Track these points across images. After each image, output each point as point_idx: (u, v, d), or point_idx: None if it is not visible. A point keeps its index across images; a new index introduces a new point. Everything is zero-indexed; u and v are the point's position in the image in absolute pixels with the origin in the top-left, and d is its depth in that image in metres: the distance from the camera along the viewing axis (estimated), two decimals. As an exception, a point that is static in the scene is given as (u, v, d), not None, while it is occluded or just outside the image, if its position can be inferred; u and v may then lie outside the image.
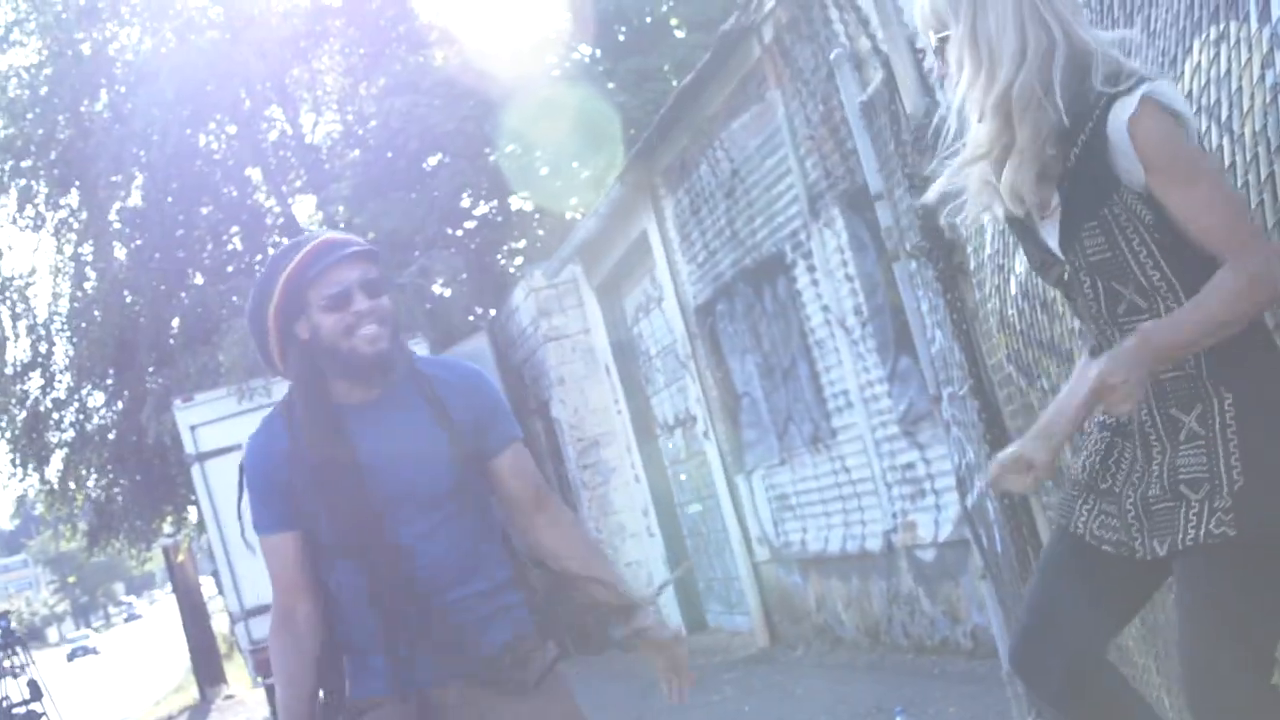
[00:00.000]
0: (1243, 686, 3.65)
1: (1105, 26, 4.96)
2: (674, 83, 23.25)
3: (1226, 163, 4.20)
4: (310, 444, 4.36)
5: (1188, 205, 3.59)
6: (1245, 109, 4.12)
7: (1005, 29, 3.71)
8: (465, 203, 26.67)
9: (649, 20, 26.61)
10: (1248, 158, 4.12)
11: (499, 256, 27.23)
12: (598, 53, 26.49)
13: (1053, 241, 3.82)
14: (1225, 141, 4.21)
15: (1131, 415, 3.73)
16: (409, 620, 4.34)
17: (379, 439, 4.38)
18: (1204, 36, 4.30)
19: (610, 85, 24.67)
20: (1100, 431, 3.90)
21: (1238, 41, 4.14)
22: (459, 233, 26.73)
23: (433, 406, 4.43)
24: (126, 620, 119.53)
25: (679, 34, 26.03)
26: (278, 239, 28.70)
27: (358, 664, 4.48)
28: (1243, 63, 4.12)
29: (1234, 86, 4.17)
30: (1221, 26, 4.21)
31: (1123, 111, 3.62)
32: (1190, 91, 4.38)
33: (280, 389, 17.31)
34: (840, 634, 13.80)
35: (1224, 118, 4.21)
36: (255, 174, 29.15)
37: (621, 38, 26.30)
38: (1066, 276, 3.82)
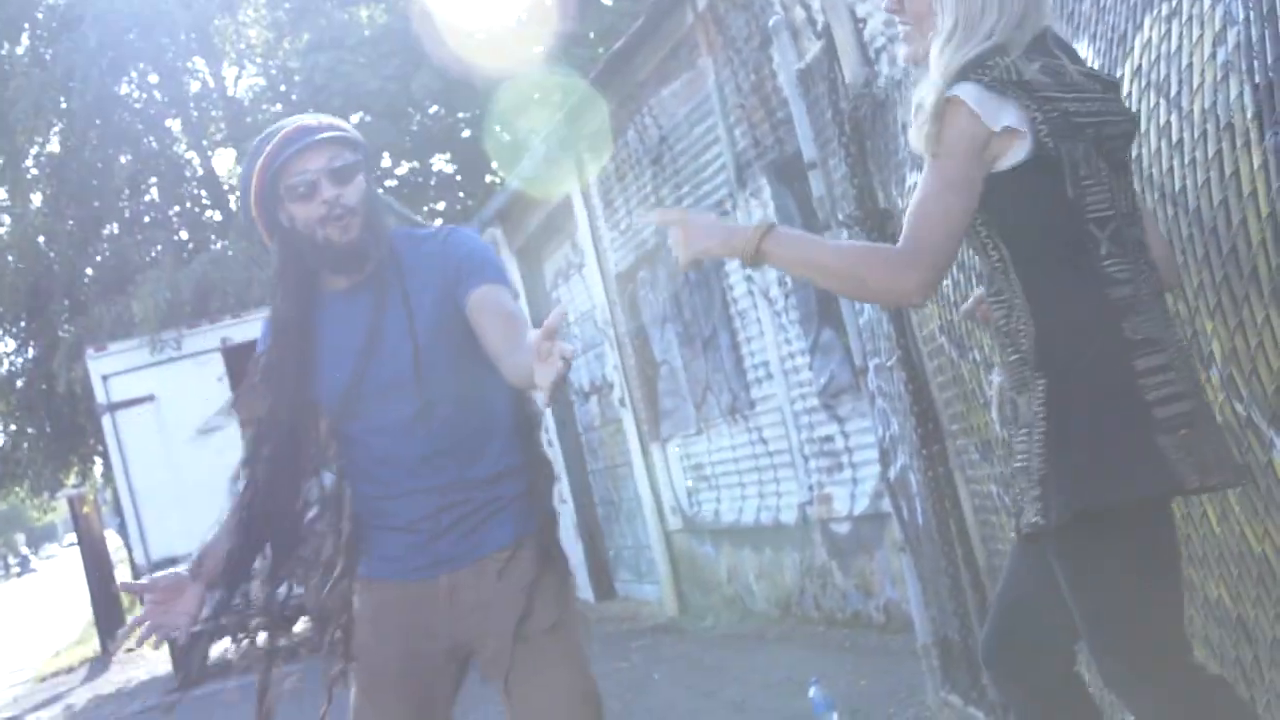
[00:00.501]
0: (1152, 664, 3.69)
1: (1055, 4, 4.97)
2: (600, 50, 23.22)
3: (1174, 140, 4.22)
4: (273, 340, 4.41)
5: (919, 197, 3.67)
6: (1195, 86, 4.13)
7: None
8: (386, 162, 26.57)
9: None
10: (1195, 134, 4.14)
11: (419, 217, 27.11)
12: (524, 16, 26.42)
13: None
14: (1174, 118, 4.23)
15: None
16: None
17: (351, 329, 4.37)
18: (1156, 12, 4.31)
19: (537, 49, 24.59)
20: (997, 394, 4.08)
21: (1190, 18, 4.15)
22: (380, 190, 26.56)
23: (399, 289, 4.37)
24: (20, 574, 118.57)
25: (606, 1, 25.98)
26: (196, 191, 28.51)
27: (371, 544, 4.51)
28: (1194, 39, 4.14)
29: (1184, 63, 4.18)
30: (1174, 3, 4.22)
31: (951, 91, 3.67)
32: (1140, 67, 4.39)
33: (191, 340, 16.93)
34: (750, 605, 13.82)
35: (1173, 94, 4.23)
36: (175, 125, 28.90)
37: (550, 2, 26.22)
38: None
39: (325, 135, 4.30)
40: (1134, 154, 4.39)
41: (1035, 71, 3.67)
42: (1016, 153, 3.65)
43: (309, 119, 4.38)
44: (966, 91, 3.65)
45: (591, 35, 24.63)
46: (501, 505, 4.44)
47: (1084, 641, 3.83)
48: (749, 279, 12.44)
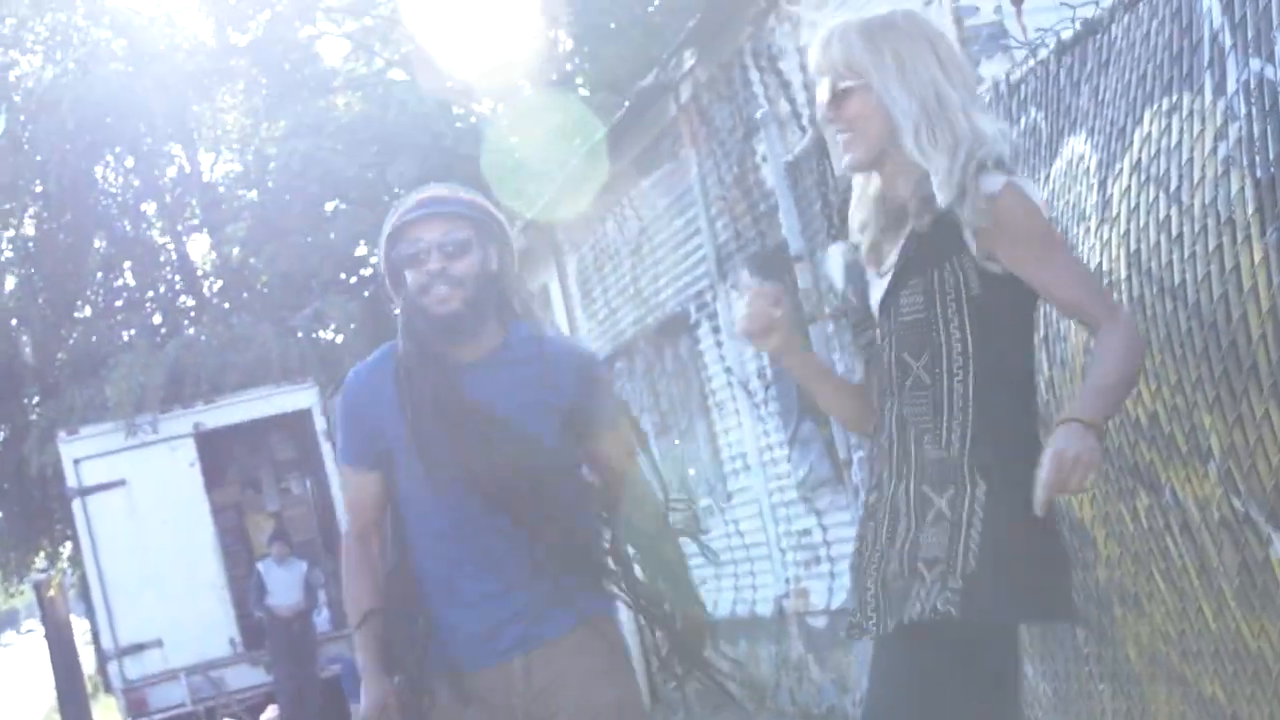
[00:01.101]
0: None
1: (1051, 96, 5.00)
2: (576, 140, 23.30)
3: (1174, 234, 4.23)
4: (422, 390, 4.42)
5: (1054, 279, 3.69)
6: (1195, 180, 4.14)
7: (917, 92, 3.73)
8: (362, 250, 26.59)
9: (554, 77, 26.66)
10: (1196, 229, 4.14)
11: (394, 305, 27.05)
12: (499, 107, 26.52)
13: (874, 300, 3.91)
14: (1174, 212, 4.23)
15: (877, 500, 3.83)
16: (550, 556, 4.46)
17: (491, 391, 4.44)
18: (1155, 107, 4.32)
19: (513, 140, 24.67)
20: (864, 523, 3.92)
21: (1190, 113, 4.17)
22: (354, 279, 26.61)
23: (543, 369, 4.47)
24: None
25: (583, 92, 26.08)
26: (170, 276, 28.47)
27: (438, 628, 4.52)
28: (1194, 134, 4.15)
29: (1184, 158, 4.19)
30: (1174, 98, 4.24)
31: (987, 186, 3.67)
32: (1139, 161, 4.40)
33: (164, 425, 16.76)
34: (724, 699, 13.71)
35: (1173, 188, 4.24)
36: (150, 209, 28.87)
37: (527, 93, 26.34)
38: (877, 340, 3.90)
39: (438, 209, 4.43)
40: (1134, 248, 4.41)
41: None
42: None
43: (443, 189, 4.53)
44: (1012, 179, 3.72)
45: (567, 126, 24.69)
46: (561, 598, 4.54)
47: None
48: (728, 370, 12.44)
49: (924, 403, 3.74)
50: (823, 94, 3.86)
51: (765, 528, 12.38)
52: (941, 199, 3.68)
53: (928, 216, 3.72)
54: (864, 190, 3.92)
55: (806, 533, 11.72)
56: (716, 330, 12.56)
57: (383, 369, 4.52)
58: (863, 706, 3.80)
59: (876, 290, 3.90)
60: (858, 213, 3.93)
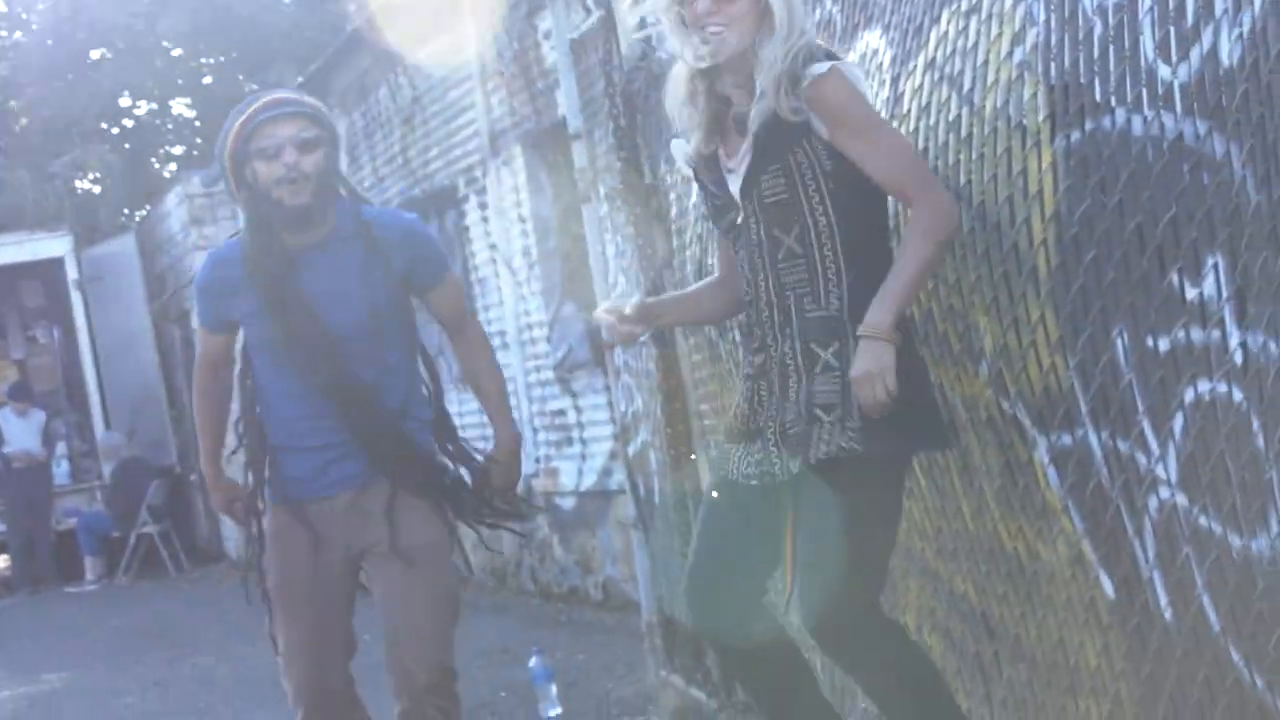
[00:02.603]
0: (859, 598, 4.12)
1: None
2: (353, 6, 22.92)
3: (964, 134, 4.25)
4: (259, 279, 5.08)
5: (873, 154, 4.10)
6: (989, 83, 4.16)
7: None
8: (126, 101, 25.98)
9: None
10: (986, 131, 4.17)
11: (154, 160, 26.56)
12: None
13: (735, 188, 4.24)
14: (965, 113, 4.26)
15: (765, 361, 4.23)
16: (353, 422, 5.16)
17: (320, 278, 5.09)
18: (954, 7, 4.33)
19: (286, 1, 24.25)
20: (744, 382, 4.33)
21: (989, 15, 4.18)
22: (116, 130, 26.01)
23: (370, 250, 5.11)
24: None
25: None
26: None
27: (279, 467, 5.28)
28: (991, 37, 4.17)
29: (980, 60, 4.21)
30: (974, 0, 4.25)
31: (814, 70, 4.08)
32: (934, 60, 4.42)
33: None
34: (464, 574, 13.71)
35: (966, 89, 4.26)
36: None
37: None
38: (739, 221, 4.25)
39: (293, 109, 5.03)
40: (922, 146, 4.43)
41: None
42: None
43: (288, 93, 5.25)
44: (836, 63, 4.13)
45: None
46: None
47: (812, 577, 4.12)
48: (493, 247, 12.37)
49: (800, 270, 4.16)
50: None
51: (519, 406, 12.35)
52: (768, 88, 4.09)
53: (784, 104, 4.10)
54: (692, 90, 4.29)
55: (561, 413, 11.73)
56: (484, 206, 12.47)
57: (234, 253, 5.19)
58: (800, 558, 4.18)
59: (734, 178, 4.26)
60: (693, 112, 4.31)
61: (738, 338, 5.67)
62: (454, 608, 5.25)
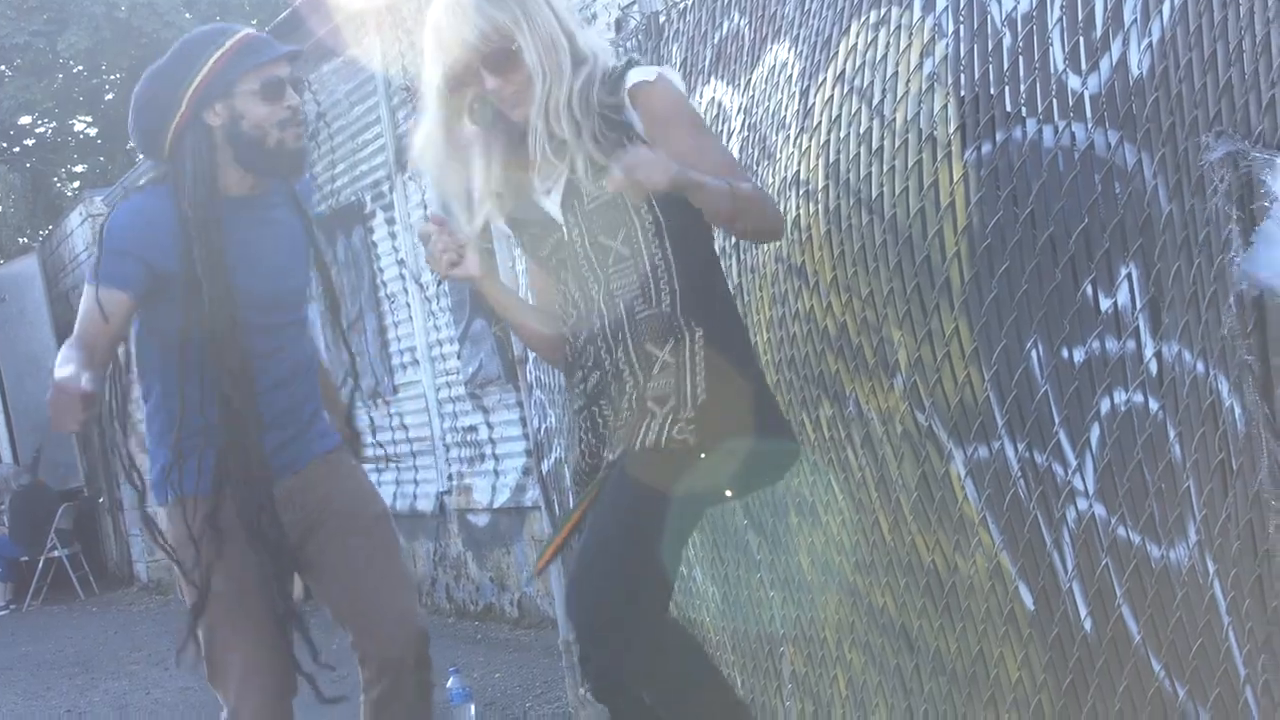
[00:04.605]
0: (640, 599, 3.94)
1: (757, 2, 4.97)
2: (255, 21, 22.83)
3: (875, 147, 4.24)
4: (194, 235, 4.47)
5: (707, 148, 4.06)
6: (899, 95, 4.16)
7: (557, 35, 4.05)
8: (26, 120, 25.76)
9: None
10: (897, 143, 4.16)
11: (56, 179, 26.33)
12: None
13: (553, 205, 4.14)
14: (875, 125, 4.25)
15: (605, 370, 4.11)
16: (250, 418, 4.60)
17: (255, 237, 4.61)
18: (863, 19, 4.33)
19: (188, 16, 24.10)
20: (580, 415, 4.19)
21: (898, 27, 4.18)
22: (17, 149, 25.78)
23: (301, 212, 4.73)
24: None
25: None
26: None
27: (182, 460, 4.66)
28: (901, 49, 4.16)
29: (889, 72, 4.20)
30: (883, 11, 4.25)
31: (638, 77, 4.05)
32: (844, 72, 4.40)
33: None
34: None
35: (876, 101, 4.25)
36: None
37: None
38: (565, 238, 4.13)
39: (290, 49, 4.57)
40: (833, 159, 4.42)
41: None
42: None
43: (255, 32, 4.64)
44: (662, 71, 4.11)
45: (246, 5, 24.21)
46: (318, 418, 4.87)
47: (588, 571, 3.98)
48: (401, 263, 12.31)
49: (629, 273, 4.07)
50: (461, 70, 4.08)
51: (430, 423, 12.31)
52: (569, 118, 4.01)
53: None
54: (488, 151, 4.20)
55: (472, 429, 11.68)
56: (392, 222, 12.41)
57: (162, 207, 4.53)
58: (591, 534, 4.06)
59: (550, 197, 4.14)
60: (490, 176, 4.18)
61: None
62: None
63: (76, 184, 25.86)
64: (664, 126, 4.02)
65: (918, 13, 4.09)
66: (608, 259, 4.09)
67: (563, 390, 6.94)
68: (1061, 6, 3.68)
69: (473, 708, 7.50)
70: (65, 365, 4.40)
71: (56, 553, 18.69)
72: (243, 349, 4.58)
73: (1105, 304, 3.62)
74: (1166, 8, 3.40)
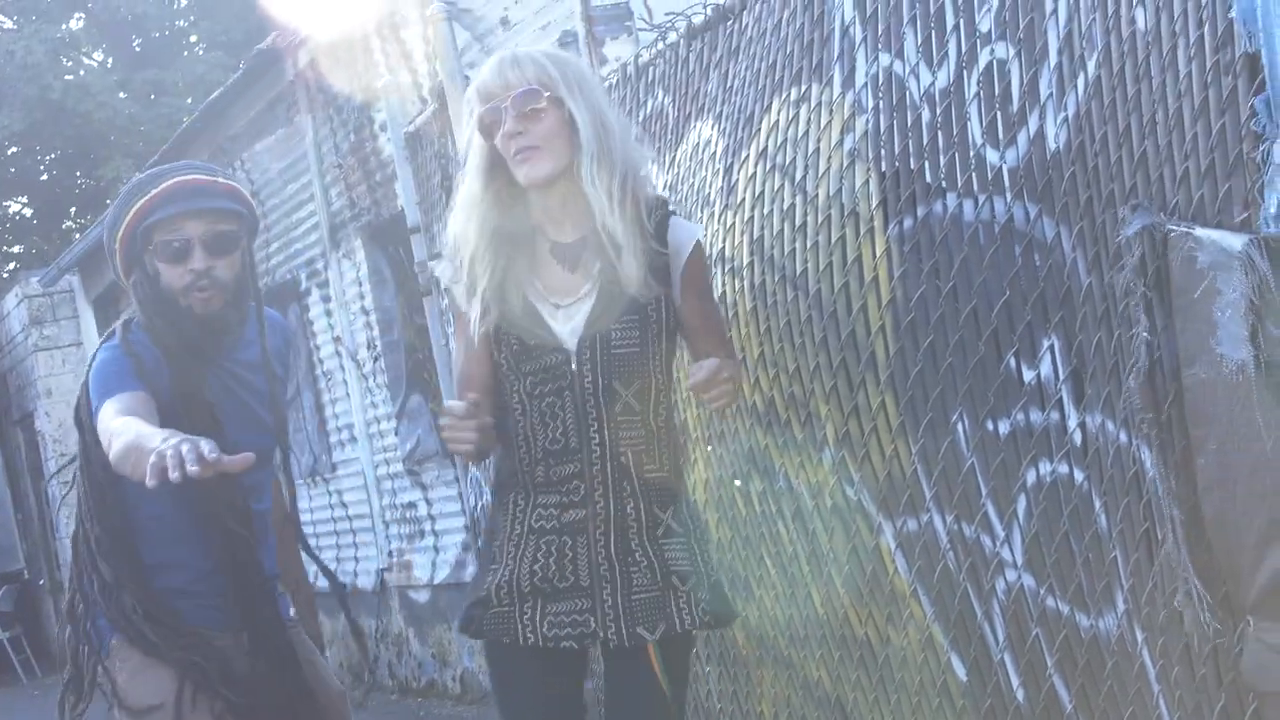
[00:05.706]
0: None
1: (681, 80, 5.00)
2: (189, 100, 22.81)
3: (798, 223, 4.26)
4: (175, 370, 4.07)
5: (714, 313, 3.93)
6: (821, 171, 4.18)
7: (593, 117, 3.72)
8: (-40, 202, 25.71)
9: (167, 33, 26.08)
10: (820, 219, 4.18)
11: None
12: (110, 61, 25.84)
13: (565, 329, 3.79)
14: (798, 201, 4.27)
15: (587, 516, 3.78)
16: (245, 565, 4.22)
17: (225, 386, 4.17)
18: (785, 96, 4.35)
19: (122, 95, 24.06)
20: (539, 537, 3.80)
21: (819, 104, 4.21)
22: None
23: (263, 351, 4.21)
24: None
25: (199, 51, 25.57)
26: None
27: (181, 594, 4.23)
28: (822, 125, 4.19)
29: (811, 148, 4.23)
30: (804, 88, 4.28)
31: (684, 233, 3.80)
32: (766, 149, 4.43)
33: None
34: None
35: (799, 178, 4.27)
36: None
37: (137, 48, 25.71)
38: (565, 367, 3.78)
39: (208, 205, 4.04)
40: (757, 235, 4.44)
41: None
42: None
43: (204, 176, 4.11)
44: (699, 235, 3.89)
45: (180, 84, 24.17)
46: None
47: None
48: (337, 340, 12.29)
49: (637, 427, 3.79)
50: (496, 112, 3.73)
51: (369, 500, 12.27)
52: (610, 223, 3.69)
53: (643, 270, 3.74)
54: (496, 224, 3.82)
55: (411, 506, 11.64)
56: (327, 299, 12.39)
57: (142, 339, 4.11)
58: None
59: (562, 317, 3.80)
60: (488, 248, 3.81)
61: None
62: None
63: (12, 265, 25.74)
64: (696, 293, 3.81)
65: (838, 89, 4.13)
66: (615, 406, 3.77)
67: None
68: (978, 81, 3.71)
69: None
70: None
71: (-2, 636, 18.55)
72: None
73: (1029, 376, 3.64)
74: (1081, 82, 3.44)
